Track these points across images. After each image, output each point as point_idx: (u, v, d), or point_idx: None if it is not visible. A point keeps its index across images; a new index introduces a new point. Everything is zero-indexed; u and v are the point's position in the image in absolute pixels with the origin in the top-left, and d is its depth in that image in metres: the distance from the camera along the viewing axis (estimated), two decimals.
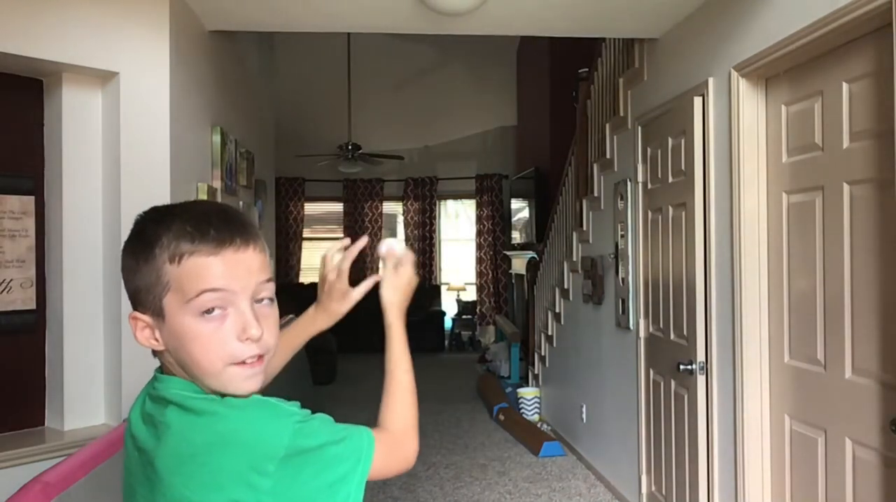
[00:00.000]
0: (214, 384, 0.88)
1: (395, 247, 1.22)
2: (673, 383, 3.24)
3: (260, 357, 0.89)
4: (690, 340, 3.03)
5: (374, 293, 1.25)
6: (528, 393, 5.92)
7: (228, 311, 0.87)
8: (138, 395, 0.98)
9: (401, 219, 10.38)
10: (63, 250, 2.79)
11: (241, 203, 4.06)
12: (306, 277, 10.03)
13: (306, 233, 10.25)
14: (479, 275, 10.16)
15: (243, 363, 0.87)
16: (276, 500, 0.83)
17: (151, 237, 0.87)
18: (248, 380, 0.89)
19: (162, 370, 0.94)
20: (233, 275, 0.87)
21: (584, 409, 4.68)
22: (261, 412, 0.87)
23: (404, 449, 1.03)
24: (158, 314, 0.88)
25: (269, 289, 0.92)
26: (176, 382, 0.90)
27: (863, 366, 2.15)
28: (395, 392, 1.09)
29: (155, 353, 0.94)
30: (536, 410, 5.86)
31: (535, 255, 6.69)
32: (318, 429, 0.88)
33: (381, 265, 1.23)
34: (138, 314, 0.90)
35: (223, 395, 0.89)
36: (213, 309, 0.86)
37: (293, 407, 0.90)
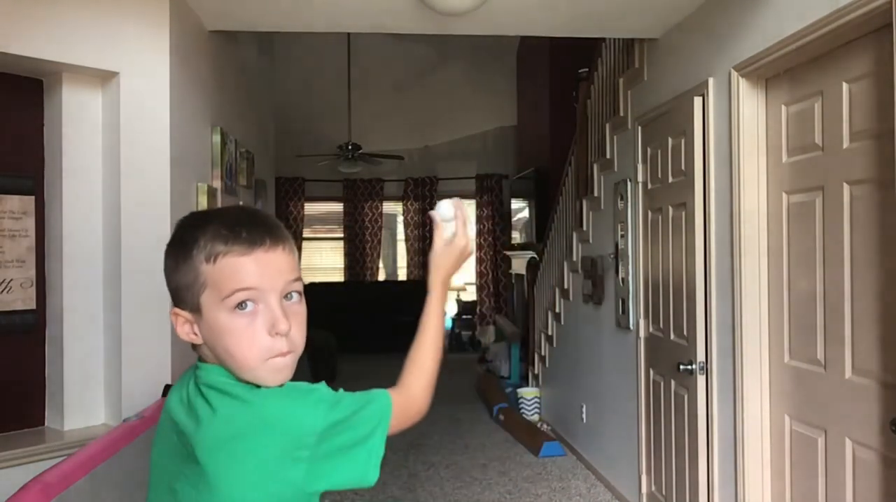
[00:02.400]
0: (248, 377, 0.94)
1: (443, 213, 1.19)
2: (673, 383, 3.24)
3: (289, 352, 0.95)
4: (690, 340, 3.03)
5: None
6: (528, 393, 5.92)
7: (259, 308, 0.93)
8: (178, 381, 1.04)
9: (401, 219, 10.38)
10: (63, 250, 2.79)
11: (240, 203, 4.07)
12: (307, 277, 10.02)
13: (306, 233, 10.25)
14: (479, 275, 10.15)
15: (275, 357, 0.93)
16: (310, 475, 0.91)
17: (189, 239, 0.93)
18: (279, 373, 0.95)
19: (201, 361, 1.01)
20: (263, 273, 0.92)
21: (584, 409, 4.68)
22: (298, 400, 0.94)
23: (418, 405, 1.11)
24: (196, 310, 0.94)
25: (298, 287, 0.97)
26: (217, 370, 0.96)
27: (863, 366, 2.15)
28: (424, 355, 1.15)
29: (194, 347, 1.00)
30: (536, 410, 5.86)
31: (535, 255, 6.68)
32: (346, 404, 0.96)
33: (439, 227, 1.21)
34: (178, 310, 0.96)
35: (257, 386, 0.95)
36: (245, 304, 0.92)
37: (321, 389, 0.97)
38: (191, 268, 0.93)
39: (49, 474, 1.71)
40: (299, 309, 0.97)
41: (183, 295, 0.95)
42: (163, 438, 1.01)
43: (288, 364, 0.95)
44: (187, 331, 0.96)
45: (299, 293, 0.98)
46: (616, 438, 4.08)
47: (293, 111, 9.11)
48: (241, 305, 0.92)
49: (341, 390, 1.00)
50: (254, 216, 0.97)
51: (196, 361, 1.02)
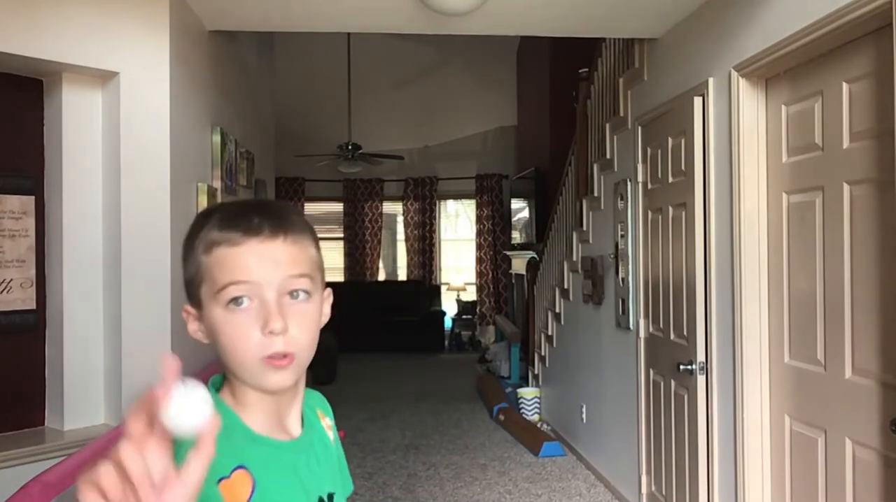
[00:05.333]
0: (249, 379, 0.84)
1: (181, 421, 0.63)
2: (673, 383, 3.24)
3: (286, 355, 0.83)
4: (690, 340, 3.03)
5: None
6: (528, 393, 5.92)
7: (254, 304, 0.82)
8: None
9: (401, 219, 10.38)
10: (63, 250, 2.79)
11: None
12: None
13: None
14: (479, 275, 10.15)
15: (270, 359, 0.82)
16: None
17: (194, 230, 0.87)
18: (275, 375, 0.83)
19: None
20: (257, 266, 0.82)
21: (584, 409, 4.68)
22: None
23: None
24: (199, 306, 0.86)
25: (303, 284, 0.85)
26: (217, 379, 0.89)
27: (863, 366, 2.15)
28: None
29: None
30: (536, 410, 5.86)
31: (535, 255, 6.69)
32: None
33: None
34: (187, 307, 0.88)
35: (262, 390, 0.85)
36: (241, 300, 0.82)
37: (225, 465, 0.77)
38: (193, 261, 0.85)
39: (49, 474, 1.72)
40: (305, 308, 0.85)
41: (189, 289, 0.87)
42: None
43: (285, 366, 0.83)
44: (194, 330, 0.87)
45: (306, 292, 0.86)
46: (616, 438, 4.08)
47: (293, 111, 9.11)
48: (235, 301, 0.82)
49: None
50: (260, 205, 0.89)
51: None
